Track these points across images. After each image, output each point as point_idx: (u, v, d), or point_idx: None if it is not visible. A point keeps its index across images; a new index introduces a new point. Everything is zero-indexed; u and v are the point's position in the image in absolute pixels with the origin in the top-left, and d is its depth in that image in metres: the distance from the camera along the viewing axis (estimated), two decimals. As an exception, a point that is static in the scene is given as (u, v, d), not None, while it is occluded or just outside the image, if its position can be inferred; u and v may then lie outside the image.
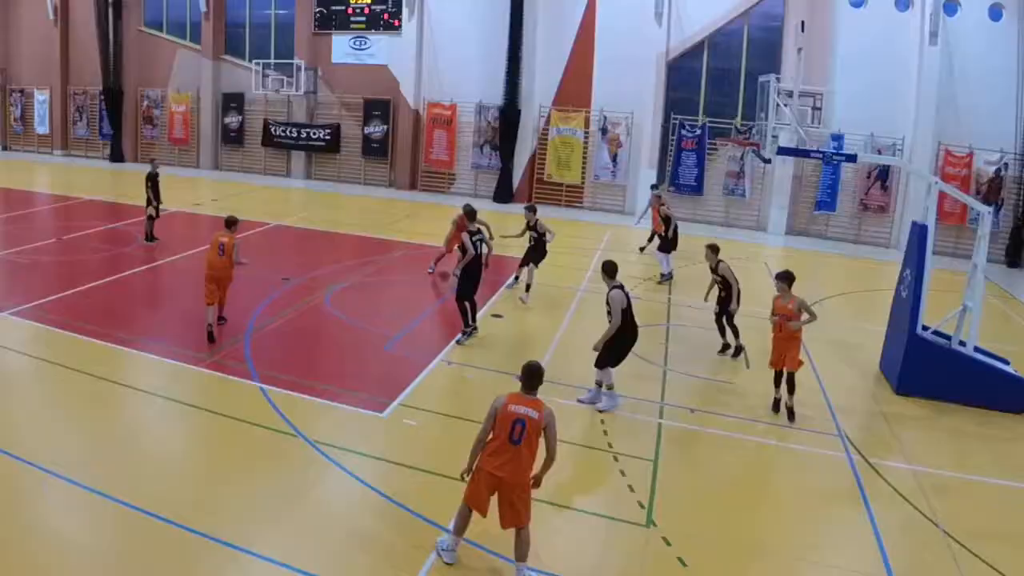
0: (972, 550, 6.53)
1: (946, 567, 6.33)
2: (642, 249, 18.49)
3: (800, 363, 9.09)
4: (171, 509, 6.35)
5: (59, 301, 11.93)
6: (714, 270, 11.14)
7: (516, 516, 5.57)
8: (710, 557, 6.29)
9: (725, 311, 11.05)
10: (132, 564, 5.77)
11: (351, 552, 6.18)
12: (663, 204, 17.02)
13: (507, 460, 5.50)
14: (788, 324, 8.94)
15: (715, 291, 11.31)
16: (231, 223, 10.94)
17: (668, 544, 6.40)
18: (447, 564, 5.89)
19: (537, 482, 5.76)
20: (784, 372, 9.11)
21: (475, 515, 5.82)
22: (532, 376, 5.82)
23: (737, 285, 10.86)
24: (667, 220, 16.27)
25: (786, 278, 9.22)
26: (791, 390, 9.11)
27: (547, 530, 6.69)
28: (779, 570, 6.27)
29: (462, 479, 5.83)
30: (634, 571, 6.09)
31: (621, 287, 9.00)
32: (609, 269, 9.05)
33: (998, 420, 9.53)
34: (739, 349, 11.16)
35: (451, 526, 5.98)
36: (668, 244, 16.25)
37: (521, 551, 5.60)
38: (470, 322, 11.14)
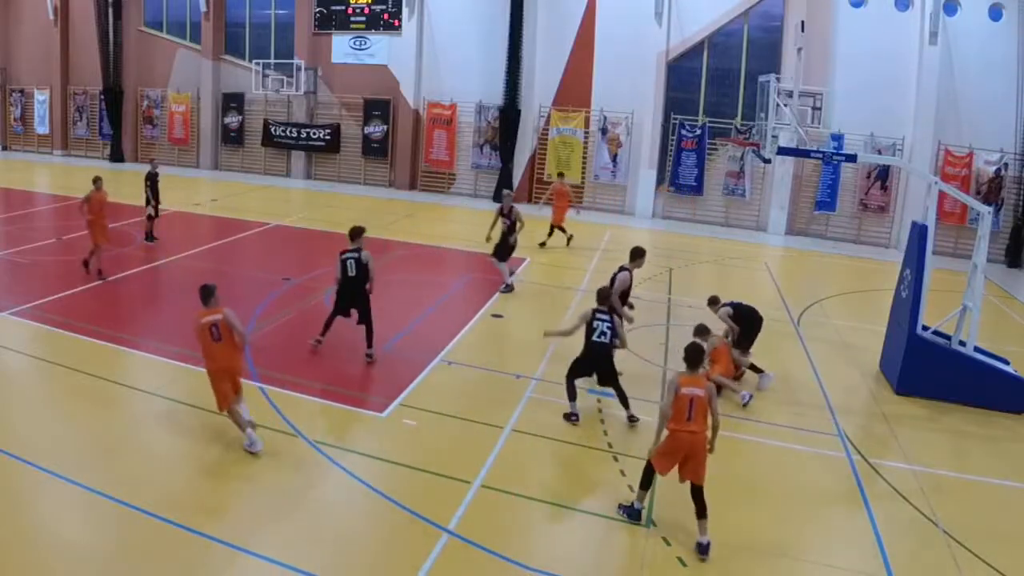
0: (972, 550, 6.53)
1: (946, 567, 6.33)
2: (543, 244, 18.13)
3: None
4: (171, 509, 6.35)
5: (59, 301, 11.93)
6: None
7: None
8: (710, 557, 6.28)
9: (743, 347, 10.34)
10: (132, 564, 5.77)
11: (351, 552, 6.18)
12: (551, 199, 16.95)
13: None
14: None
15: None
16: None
17: (668, 544, 6.40)
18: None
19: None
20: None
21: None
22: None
23: (735, 330, 10.15)
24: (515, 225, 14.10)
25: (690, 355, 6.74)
26: (702, 512, 6.38)
27: (547, 530, 6.70)
28: (779, 570, 6.27)
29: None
30: (634, 571, 6.09)
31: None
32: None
33: (998, 420, 9.53)
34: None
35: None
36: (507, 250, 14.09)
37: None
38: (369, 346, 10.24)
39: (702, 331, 9.37)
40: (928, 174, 14.18)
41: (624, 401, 8.69)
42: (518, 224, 13.87)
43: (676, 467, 6.46)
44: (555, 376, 9.95)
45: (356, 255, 10.16)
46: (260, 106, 28.70)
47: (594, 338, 8.57)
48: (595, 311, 8.68)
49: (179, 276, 14.33)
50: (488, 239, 14.16)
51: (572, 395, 8.75)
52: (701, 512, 6.30)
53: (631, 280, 10.49)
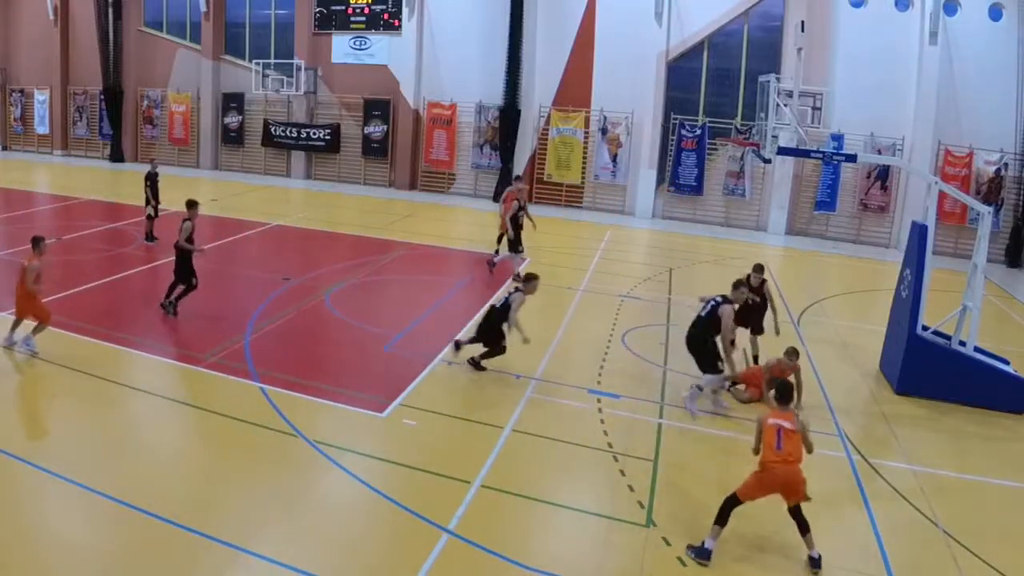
0: (972, 550, 6.53)
1: (946, 567, 6.34)
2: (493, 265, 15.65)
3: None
4: (171, 509, 6.35)
5: (59, 301, 11.91)
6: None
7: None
8: (710, 557, 6.28)
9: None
10: (132, 564, 5.77)
11: (351, 552, 6.18)
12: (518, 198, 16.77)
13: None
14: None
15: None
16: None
17: (668, 544, 6.40)
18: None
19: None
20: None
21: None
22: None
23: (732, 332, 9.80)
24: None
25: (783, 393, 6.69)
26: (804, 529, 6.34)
27: (547, 530, 6.70)
28: (779, 570, 6.26)
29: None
30: (634, 571, 6.09)
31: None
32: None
33: (998, 420, 9.53)
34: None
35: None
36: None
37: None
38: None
39: (790, 353, 9.11)
40: (928, 174, 14.16)
41: None
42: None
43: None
44: (555, 376, 9.97)
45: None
46: (260, 106, 28.70)
47: None
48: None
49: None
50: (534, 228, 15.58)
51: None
52: (804, 529, 6.25)
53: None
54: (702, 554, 6.23)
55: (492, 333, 9.91)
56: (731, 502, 6.34)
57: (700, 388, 9.06)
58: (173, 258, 11.69)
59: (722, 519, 6.29)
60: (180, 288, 11.53)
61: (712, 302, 9.15)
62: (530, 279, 10.12)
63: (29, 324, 9.69)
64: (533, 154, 25.44)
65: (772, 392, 6.68)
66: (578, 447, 8.08)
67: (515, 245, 15.20)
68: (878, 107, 21.40)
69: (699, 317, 9.20)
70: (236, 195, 24.11)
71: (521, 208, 15.25)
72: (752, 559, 6.35)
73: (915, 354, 10.02)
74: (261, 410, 8.41)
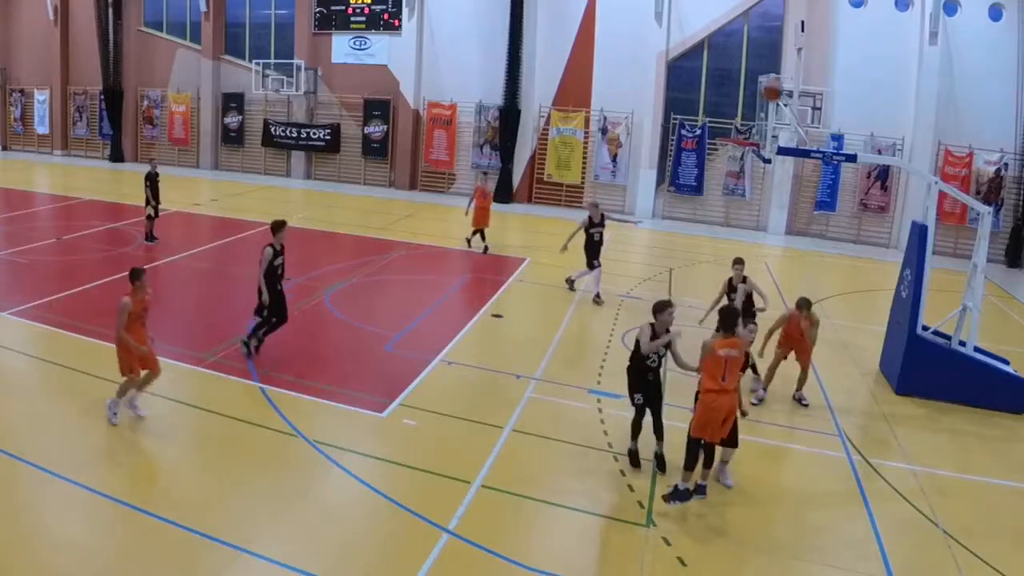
0: (972, 550, 6.53)
1: (946, 567, 6.34)
2: (474, 245, 17.16)
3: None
4: (171, 509, 6.35)
5: (59, 301, 11.92)
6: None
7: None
8: (710, 557, 6.29)
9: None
10: (132, 564, 5.77)
11: (351, 552, 6.18)
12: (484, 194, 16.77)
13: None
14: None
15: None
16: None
17: (668, 544, 6.40)
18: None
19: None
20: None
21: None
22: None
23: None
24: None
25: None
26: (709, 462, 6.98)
27: (547, 530, 6.70)
28: (779, 570, 6.26)
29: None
30: (634, 571, 6.09)
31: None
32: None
33: (998, 420, 9.53)
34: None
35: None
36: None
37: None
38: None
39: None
40: (928, 174, 14.14)
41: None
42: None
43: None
44: (555, 376, 9.97)
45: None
46: (260, 106, 28.69)
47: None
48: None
49: (179, 276, 14.35)
50: (564, 249, 13.77)
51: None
52: (709, 463, 6.80)
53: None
54: (679, 496, 6.67)
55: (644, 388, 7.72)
56: (690, 443, 6.81)
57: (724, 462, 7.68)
58: (258, 288, 9.68)
59: (690, 463, 6.75)
60: (265, 322, 9.91)
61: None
62: (661, 308, 7.57)
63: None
64: (533, 154, 25.44)
65: (719, 321, 6.97)
66: (578, 447, 8.08)
67: (590, 261, 13.87)
68: (878, 107, 21.40)
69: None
70: (236, 195, 24.11)
71: (595, 225, 13.69)
72: (752, 558, 6.35)
73: (915, 354, 10.03)
74: (261, 410, 8.41)
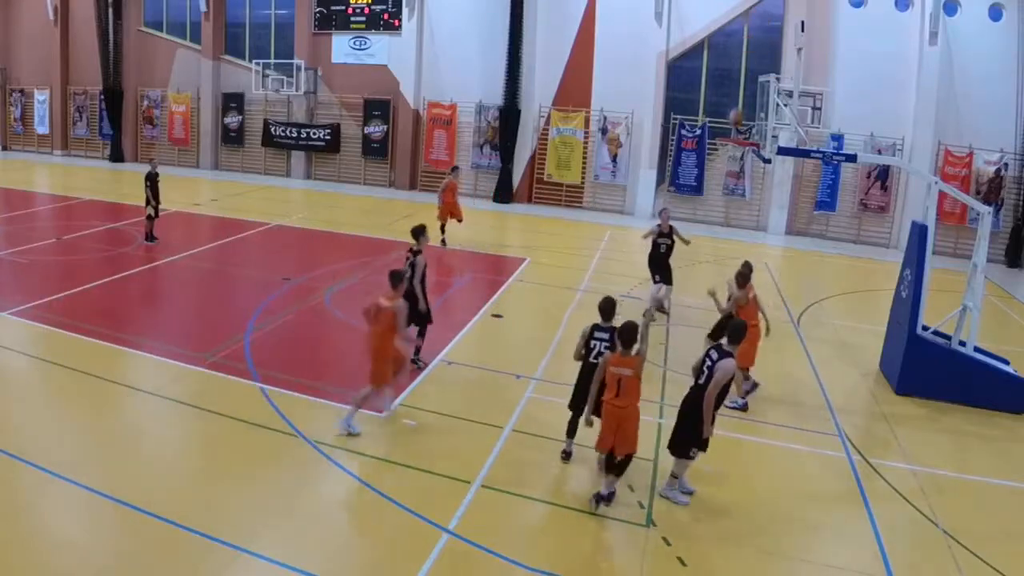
0: (972, 550, 6.53)
1: (946, 567, 6.34)
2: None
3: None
4: (171, 509, 6.35)
5: (59, 301, 11.93)
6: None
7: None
8: (710, 557, 6.29)
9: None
10: (132, 564, 5.77)
11: (351, 552, 6.18)
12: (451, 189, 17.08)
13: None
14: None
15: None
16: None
17: (668, 544, 6.40)
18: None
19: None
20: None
21: None
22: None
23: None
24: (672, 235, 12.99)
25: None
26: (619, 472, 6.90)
27: (547, 530, 6.70)
28: (779, 570, 6.27)
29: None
30: (634, 571, 6.09)
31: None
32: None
33: (998, 420, 9.53)
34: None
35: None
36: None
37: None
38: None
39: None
40: (928, 174, 14.15)
41: None
42: (677, 241, 12.83)
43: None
44: (555, 376, 9.96)
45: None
46: (260, 106, 28.68)
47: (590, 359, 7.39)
48: (594, 327, 7.46)
49: (179, 276, 14.35)
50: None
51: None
52: (611, 470, 6.82)
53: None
54: (603, 499, 6.75)
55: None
56: (605, 459, 6.90)
57: (675, 476, 7.26)
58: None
59: (608, 470, 6.88)
60: (423, 331, 9.90)
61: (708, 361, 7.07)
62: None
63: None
64: (533, 154, 25.43)
65: (619, 338, 6.70)
66: (578, 447, 8.07)
67: (662, 276, 13.16)
68: (878, 107, 21.39)
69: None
70: (236, 195, 24.10)
71: (663, 235, 12.82)
72: (752, 558, 6.35)
73: (915, 354, 10.03)
74: (261, 410, 8.41)
